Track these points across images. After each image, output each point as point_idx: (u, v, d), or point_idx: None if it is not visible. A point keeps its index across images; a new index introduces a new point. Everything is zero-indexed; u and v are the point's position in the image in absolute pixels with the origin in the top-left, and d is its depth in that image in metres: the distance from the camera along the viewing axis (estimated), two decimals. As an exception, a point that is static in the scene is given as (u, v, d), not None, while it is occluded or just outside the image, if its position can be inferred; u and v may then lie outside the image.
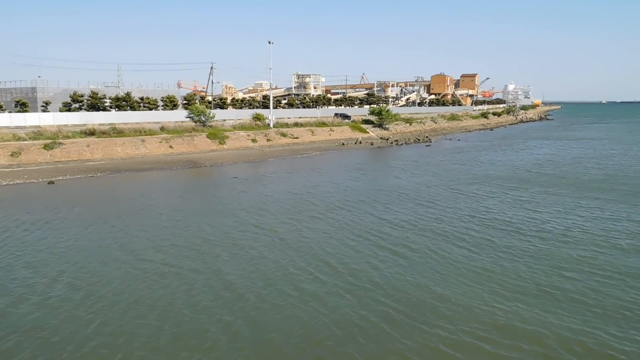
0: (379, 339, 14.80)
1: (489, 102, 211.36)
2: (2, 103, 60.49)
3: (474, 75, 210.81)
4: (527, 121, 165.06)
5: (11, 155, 46.81)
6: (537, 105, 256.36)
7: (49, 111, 61.18)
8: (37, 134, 51.84)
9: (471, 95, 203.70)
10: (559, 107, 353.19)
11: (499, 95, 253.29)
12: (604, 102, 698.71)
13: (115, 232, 25.63)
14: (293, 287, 18.50)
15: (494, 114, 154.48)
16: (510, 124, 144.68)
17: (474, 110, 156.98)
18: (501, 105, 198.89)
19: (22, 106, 59.56)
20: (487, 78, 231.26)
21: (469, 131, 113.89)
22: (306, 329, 15.30)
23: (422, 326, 15.50)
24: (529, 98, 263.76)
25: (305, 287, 18.47)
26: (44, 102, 63.60)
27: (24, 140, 49.80)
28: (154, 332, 15.01)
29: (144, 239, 24.42)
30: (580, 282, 19.08)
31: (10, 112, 59.09)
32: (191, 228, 26.59)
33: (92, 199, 34.64)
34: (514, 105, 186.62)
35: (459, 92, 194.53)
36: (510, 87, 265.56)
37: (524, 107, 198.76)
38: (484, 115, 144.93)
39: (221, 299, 17.40)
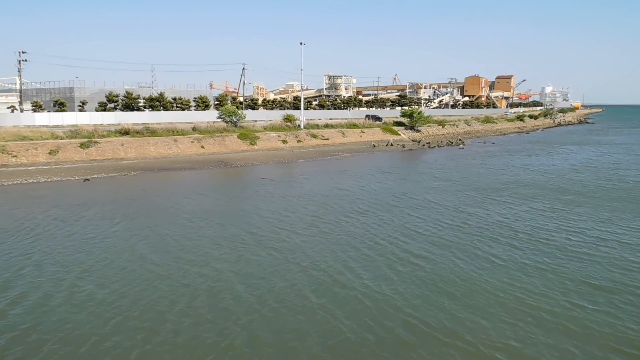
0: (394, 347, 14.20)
1: (525, 105, 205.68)
2: (42, 102, 62.55)
3: (509, 77, 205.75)
4: (566, 124, 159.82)
5: (49, 153, 48.19)
6: (577, 108, 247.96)
7: (85, 111, 62.88)
8: (74, 132, 53.23)
9: (506, 98, 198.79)
10: (600, 110, 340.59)
11: (536, 98, 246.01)
12: None
13: (142, 230, 25.88)
14: (313, 290, 18.16)
15: (531, 116, 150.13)
16: (548, 127, 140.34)
17: (510, 113, 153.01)
18: (538, 108, 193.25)
19: (60, 106, 61.39)
20: (524, 80, 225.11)
21: (504, 134, 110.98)
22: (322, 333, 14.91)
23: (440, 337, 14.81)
24: (567, 100, 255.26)
25: (324, 291, 17.98)
26: (80, 102, 65.39)
27: (61, 139, 51.21)
28: (174, 330, 15.02)
29: (169, 237, 24.58)
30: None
31: (49, 111, 61.02)
32: (217, 228, 26.62)
33: (125, 197, 35.24)
34: (552, 108, 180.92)
35: (493, 94, 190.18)
36: (548, 89, 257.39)
37: (562, 110, 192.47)
38: (520, 118, 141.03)
39: (240, 300, 17.26)
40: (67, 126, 56.00)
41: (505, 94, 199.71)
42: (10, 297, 17.30)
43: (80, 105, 64.59)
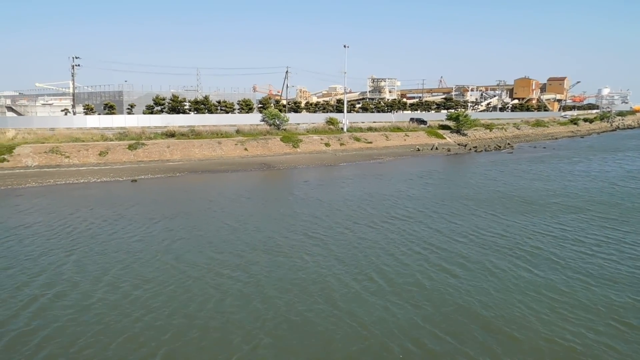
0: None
1: (579, 108, 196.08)
2: (93, 106, 64.91)
3: (562, 79, 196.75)
4: (625, 128, 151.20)
5: (99, 154, 49.75)
6: (637, 111, 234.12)
7: (133, 113, 64.82)
8: (123, 135, 54.80)
9: (559, 100, 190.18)
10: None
11: (592, 100, 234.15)
12: None
13: (180, 231, 25.97)
14: (342, 295, 17.69)
15: (585, 120, 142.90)
16: (604, 131, 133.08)
17: (562, 116, 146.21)
18: (594, 111, 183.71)
19: (109, 109, 63.51)
20: (578, 82, 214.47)
21: (556, 138, 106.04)
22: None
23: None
24: (627, 103, 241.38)
25: (340, 304, 17.20)
26: (129, 105, 67.45)
27: (110, 141, 52.83)
28: (201, 330, 14.95)
29: (205, 239, 24.51)
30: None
31: (99, 114, 63.23)
32: (252, 231, 26.37)
33: (168, 198, 35.91)
34: (609, 111, 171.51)
35: (545, 96, 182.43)
36: (605, 91, 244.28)
37: (621, 113, 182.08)
38: (574, 121, 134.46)
39: (269, 303, 16.93)
40: (116, 128, 57.80)
41: (558, 97, 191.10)
42: (52, 292, 17.68)
43: (128, 108, 66.64)
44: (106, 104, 64.57)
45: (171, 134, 57.10)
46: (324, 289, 18.01)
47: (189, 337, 14.48)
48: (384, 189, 39.72)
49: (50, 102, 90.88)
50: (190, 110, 71.15)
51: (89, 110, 62.35)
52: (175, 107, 68.59)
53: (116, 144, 52.10)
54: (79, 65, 64.37)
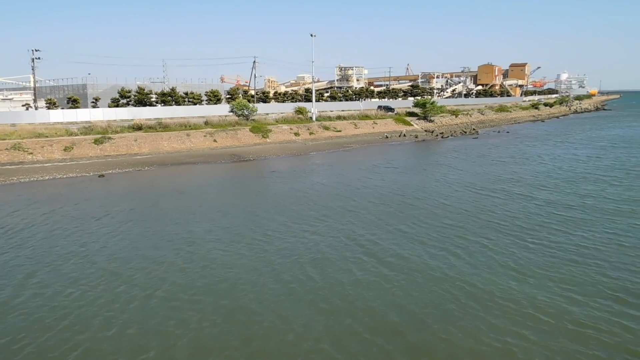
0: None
1: (540, 93, 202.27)
2: (55, 100, 63.07)
3: (523, 65, 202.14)
4: (582, 112, 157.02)
5: (64, 149, 48.57)
6: (593, 95, 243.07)
7: (98, 107, 63.30)
8: (88, 129, 53.59)
9: (521, 86, 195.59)
10: (618, 96, 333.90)
11: (551, 85, 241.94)
12: None
13: (146, 224, 25.86)
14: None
15: (546, 104, 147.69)
16: (564, 115, 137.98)
17: (524, 101, 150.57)
18: (553, 96, 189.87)
19: (73, 103, 61.85)
20: (538, 67, 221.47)
21: (519, 123, 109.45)
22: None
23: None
24: (583, 87, 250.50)
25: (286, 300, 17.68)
26: (93, 99, 65.85)
27: (75, 135, 51.58)
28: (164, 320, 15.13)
29: (173, 234, 24.24)
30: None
31: (63, 108, 61.51)
32: (221, 222, 26.46)
33: (136, 192, 35.39)
34: (567, 96, 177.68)
35: (507, 82, 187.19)
36: (563, 77, 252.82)
37: (579, 97, 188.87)
38: (535, 106, 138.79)
39: (236, 290, 17.18)
40: (81, 123, 56.40)
41: (520, 82, 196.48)
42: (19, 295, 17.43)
43: (93, 102, 65.04)
44: (69, 98, 62.79)
45: (138, 127, 56.19)
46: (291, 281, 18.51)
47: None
48: (354, 177, 40.37)
49: (10, 96, 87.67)
50: (157, 102, 69.97)
51: (51, 104, 60.56)
52: (142, 99, 67.36)
53: (82, 139, 50.94)
54: (39, 58, 62.35)
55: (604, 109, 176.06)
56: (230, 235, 23.86)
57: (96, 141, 50.81)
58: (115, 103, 65.56)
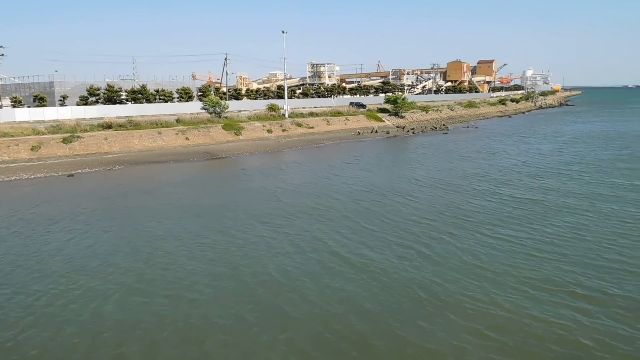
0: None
1: (506, 89, 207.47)
2: (21, 98, 61.50)
3: (491, 62, 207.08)
4: (547, 107, 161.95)
5: (31, 149, 47.54)
6: (557, 91, 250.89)
7: (66, 105, 62.03)
8: (56, 128, 52.55)
9: (488, 82, 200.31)
10: (580, 92, 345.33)
11: (517, 82, 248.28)
12: (631, 85, 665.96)
13: (116, 225, 25.68)
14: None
15: (512, 100, 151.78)
16: (529, 111, 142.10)
17: (492, 97, 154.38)
18: (519, 92, 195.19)
19: (40, 101, 60.45)
20: (505, 64, 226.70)
21: (487, 118, 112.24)
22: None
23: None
24: (548, 84, 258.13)
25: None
26: (61, 97, 64.51)
27: (43, 135, 50.51)
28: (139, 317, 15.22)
29: (142, 236, 23.96)
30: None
31: (29, 106, 60.06)
32: (192, 221, 26.61)
33: (107, 192, 34.98)
34: (533, 92, 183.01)
35: (475, 78, 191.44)
36: (529, 73, 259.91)
37: (543, 93, 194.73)
38: (502, 102, 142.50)
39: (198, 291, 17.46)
40: (48, 121, 55.20)
41: (487, 79, 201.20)
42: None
43: (61, 100, 63.71)
44: (36, 96, 61.32)
45: (108, 126, 55.38)
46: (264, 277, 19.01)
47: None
48: (327, 174, 41.02)
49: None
50: (127, 100, 69.01)
51: (17, 103, 59.07)
52: (112, 97, 66.34)
53: (49, 138, 49.92)
54: (3, 55, 60.63)
55: (567, 105, 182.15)
56: (193, 236, 23.66)
57: (65, 140, 49.90)
58: (84, 101, 64.37)
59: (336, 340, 14.21)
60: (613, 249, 20.89)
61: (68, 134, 50.94)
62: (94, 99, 65.59)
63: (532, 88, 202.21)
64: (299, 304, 16.43)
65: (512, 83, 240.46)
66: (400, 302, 16.47)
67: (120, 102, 67.43)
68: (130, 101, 68.85)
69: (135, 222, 26.27)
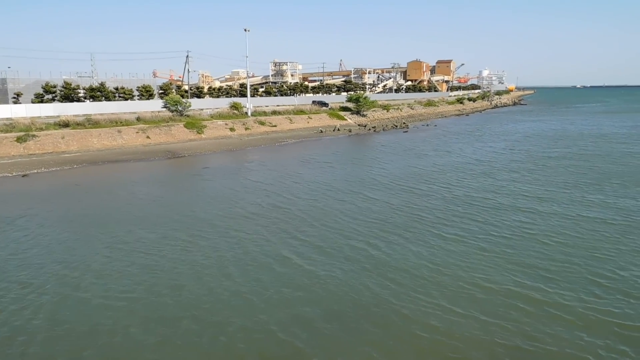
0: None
1: (464, 88, 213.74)
2: (-29, 95, 59.09)
3: (449, 62, 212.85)
4: (502, 106, 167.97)
5: (-17, 148, 46.04)
6: (511, 91, 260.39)
7: (20, 103, 60.06)
8: (9, 126, 51.01)
9: (447, 81, 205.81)
10: (532, 92, 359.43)
11: (474, 81, 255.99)
12: (578, 86, 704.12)
13: (71, 229, 25.11)
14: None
15: (470, 99, 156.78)
16: (485, 110, 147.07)
17: (450, 96, 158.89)
18: (476, 91, 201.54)
19: (-8, 98, 58.31)
20: (463, 64, 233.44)
21: (446, 117, 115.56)
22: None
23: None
24: (502, 83, 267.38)
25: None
26: (15, 94, 62.39)
27: (-4, 133, 48.95)
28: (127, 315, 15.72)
29: (94, 236, 23.65)
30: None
31: (-20, 104, 57.81)
32: (150, 222, 26.74)
33: (66, 192, 34.35)
34: (489, 91, 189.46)
35: (434, 78, 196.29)
36: (485, 73, 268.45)
37: (499, 93, 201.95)
38: (460, 100, 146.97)
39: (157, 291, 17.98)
40: (0, 120, 53.43)
41: (446, 78, 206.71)
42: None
43: (14, 97, 61.63)
44: (-13, 93, 59.17)
45: (65, 124, 54.12)
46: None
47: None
48: (290, 172, 41.66)
49: None
50: (85, 98, 67.36)
51: (-34, 100, 56.74)
52: (69, 95, 64.63)
53: (2, 137, 48.41)
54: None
55: (520, 104, 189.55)
56: (152, 236, 23.44)
57: (19, 139, 48.55)
58: (39, 99, 62.46)
59: (300, 332, 14.90)
60: (555, 247, 22.32)
61: (22, 133, 49.57)
62: (50, 96, 63.74)
63: (488, 87, 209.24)
64: (254, 301, 16.61)
65: (469, 82, 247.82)
66: (357, 298, 16.98)
67: (78, 100, 65.79)
68: (89, 99, 67.27)
69: (92, 223, 25.58)
